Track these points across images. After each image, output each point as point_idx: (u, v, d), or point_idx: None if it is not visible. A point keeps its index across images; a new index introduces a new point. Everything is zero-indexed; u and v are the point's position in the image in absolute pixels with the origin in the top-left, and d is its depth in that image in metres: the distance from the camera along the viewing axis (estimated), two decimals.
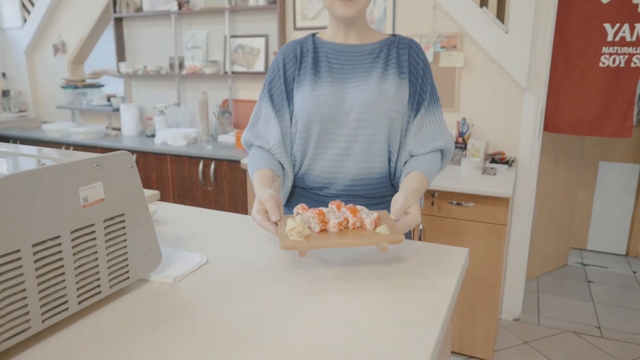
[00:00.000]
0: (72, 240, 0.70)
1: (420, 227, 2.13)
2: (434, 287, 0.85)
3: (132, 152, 2.93)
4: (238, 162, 2.61)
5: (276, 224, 0.95)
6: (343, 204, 0.99)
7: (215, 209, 1.80)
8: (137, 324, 0.73)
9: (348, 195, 1.23)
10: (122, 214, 0.78)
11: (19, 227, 0.63)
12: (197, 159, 2.75)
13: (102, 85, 3.77)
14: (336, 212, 0.96)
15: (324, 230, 0.93)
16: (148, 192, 1.38)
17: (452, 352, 2.24)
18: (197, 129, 3.10)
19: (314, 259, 0.98)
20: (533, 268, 2.97)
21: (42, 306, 0.67)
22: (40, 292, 0.66)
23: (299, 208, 0.98)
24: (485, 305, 2.12)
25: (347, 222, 0.93)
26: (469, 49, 2.45)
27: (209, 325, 0.73)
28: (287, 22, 2.88)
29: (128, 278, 0.81)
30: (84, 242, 0.72)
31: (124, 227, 0.79)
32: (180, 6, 3.14)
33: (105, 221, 0.75)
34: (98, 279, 0.75)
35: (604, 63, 2.36)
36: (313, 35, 1.27)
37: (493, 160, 2.37)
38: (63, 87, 3.64)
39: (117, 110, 3.47)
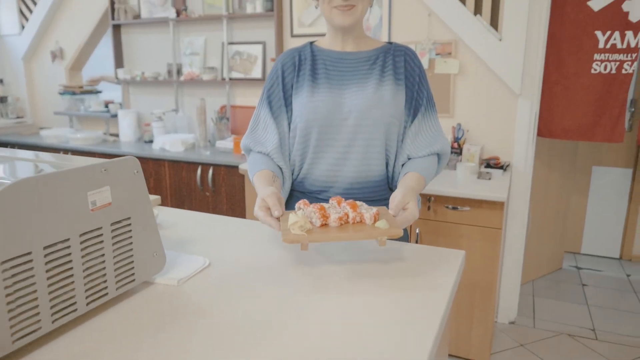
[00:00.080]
0: (81, 243, 0.72)
1: (417, 231, 2.15)
2: (432, 287, 0.88)
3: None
4: (236, 167, 2.64)
5: (278, 219, 0.98)
6: (343, 199, 1.02)
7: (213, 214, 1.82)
8: (143, 325, 0.75)
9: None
10: (129, 218, 0.80)
11: (31, 229, 0.65)
12: (195, 164, 2.77)
13: (99, 92, 3.78)
14: (337, 207, 0.99)
15: (324, 225, 0.96)
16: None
17: (449, 355, 2.26)
18: (195, 135, 3.13)
19: (314, 259, 1.00)
20: (528, 271, 3.00)
21: (52, 307, 0.69)
22: (50, 293, 0.68)
23: (300, 203, 1.01)
24: (481, 308, 2.14)
25: (348, 217, 0.96)
26: (463, 55, 2.49)
27: (212, 325, 0.75)
28: (284, 29, 2.91)
29: (134, 280, 0.83)
30: (92, 244, 0.74)
31: (130, 231, 0.81)
32: (178, 13, 3.17)
33: (112, 224, 0.77)
34: (105, 281, 0.77)
35: (595, 70, 2.41)
36: (311, 43, 1.30)
37: (488, 165, 2.40)
38: (61, 94, 3.65)
39: (114, 116, 3.48)
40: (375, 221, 0.96)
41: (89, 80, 3.81)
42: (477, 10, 2.42)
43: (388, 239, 1.13)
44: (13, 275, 0.63)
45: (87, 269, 0.74)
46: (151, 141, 3.25)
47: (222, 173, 2.70)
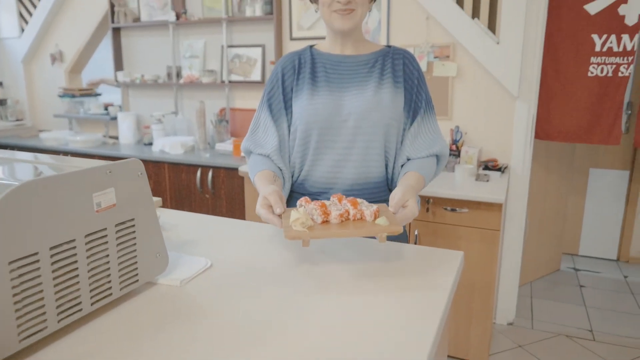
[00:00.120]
0: (86, 243, 0.73)
1: (416, 232, 2.17)
2: (431, 287, 0.89)
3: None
4: (236, 169, 2.65)
5: (280, 216, 1.00)
6: (344, 196, 1.03)
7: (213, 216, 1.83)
8: (146, 325, 0.76)
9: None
10: (132, 219, 0.81)
11: (38, 230, 0.66)
12: (195, 166, 2.78)
13: (99, 94, 3.79)
14: (337, 205, 1.00)
15: (326, 222, 0.97)
16: None
17: (448, 356, 2.27)
18: (194, 137, 3.14)
19: (314, 260, 1.01)
20: (526, 273, 3.01)
21: (57, 307, 0.70)
22: (56, 293, 0.69)
23: (302, 200, 1.03)
24: (480, 309, 2.16)
25: (348, 213, 0.98)
26: (461, 59, 2.51)
27: (215, 325, 0.76)
28: (283, 32, 2.93)
29: (137, 281, 0.84)
30: (97, 245, 0.75)
31: (134, 232, 0.82)
32: (178, 16, 3.19)
33: (116, 225, 0.78)
34: (109, 281, 0.78)
35: (592, 72, 2.43)
36: (311, 47, 1.32)
37: (486, 167, 2.42)
38: (60, 96, 3.66)
39: (114, 118, 3.49)
40: (375, 218, 0.97)
41: (89, 82, 3.82)
42: (475, 13, 2.45)
43: (388, 240, 1.14)
44: (20, 275, 0.64)
45: (92, 269, 0.75)
46: (151, 144, 3.26)
47: (222, 175, 2.71)
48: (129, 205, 0.80)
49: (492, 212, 2.03)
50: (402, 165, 1.27)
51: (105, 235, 0.76)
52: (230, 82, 3.13)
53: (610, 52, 2.38)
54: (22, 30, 3.84)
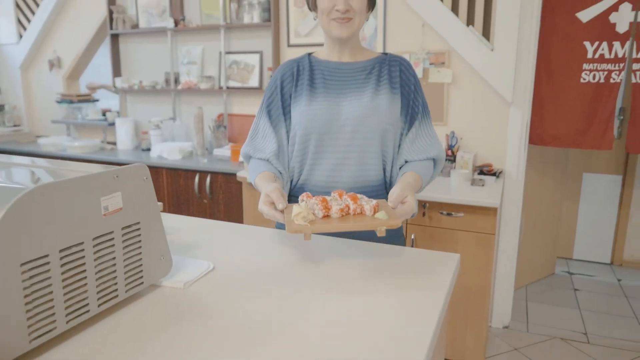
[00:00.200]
0: (94, 246, 0.75)
1: (412, 236, 2.19)
2: (429, 287, 0.92)
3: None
4: (234, 175, 2.67)
5: (282, 212, 1.03)
6: (345, 192, 1.06)
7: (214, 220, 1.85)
8: (151, 326, 0.78)
9: None
10: (138, 222, 0.84)
11: (48, 233, 0.68)
12: (193, 172, 2.80)
13: (97, 100, 3.81)
14: (338, 200, 1.03)
15: (327, 216, 1.00)
16: None
17: (445, 359, 2.29)
18: (192, 143, 3.16)
19: (314, 262, 1.04)
20: (521, 277, 3.04)
21: (66, 308, 0.72)
22: (65, 294, 0.71)
23: (303, 196, 1.06)
24: (476, 313, 2.18)
25: (349, 208, 1.01)
26: (456, 65, 2.55)
27: (217, 326, 0.78)
28: (281, 39, 2.97)
29: (142, 283, 0.86)
30: (104, 248, 0.77)
31: (139, 235, 0.84)
32: (176, 23, 3.22)
33: (123, 229, 0.80)
34: (115, 283, 0.80)
35: (584, 79, 2.48)
36: (309, 54, 1.35)
37: (481, 172, 2.45)
38: (58, 102, 3.68)
39: (112, 124, 3.51)
40: (375, 212, 1.00)
41: (89, 85, 3.83)
42: (470, 21, 2.49)
43: (386, 244, 1.17)
44: (31, 277, 0.66)
45: (99, 271, 0.77)
46: (149, 149, 3.27)
47: (220, 180, 2.73)
48: (134, 209, 0.83)
49: (488, 216, 2.06)
50: (400, 168, 1.31)
51: (112, 239, 0.79)
52: (228, 88, 3.15)
53: (602, 59, 2.43)
54: (20, 36, 3.86)
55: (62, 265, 0.71)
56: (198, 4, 3.18)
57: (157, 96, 3.48)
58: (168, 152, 2.99)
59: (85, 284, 0.75)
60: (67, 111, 3.76)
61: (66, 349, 0.72)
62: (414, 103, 1.31)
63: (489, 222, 2.06)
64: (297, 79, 1.32)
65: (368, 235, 1.23)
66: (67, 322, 0.73)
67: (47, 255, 0.68)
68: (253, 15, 2.96)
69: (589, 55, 2.45)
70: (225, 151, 2.98)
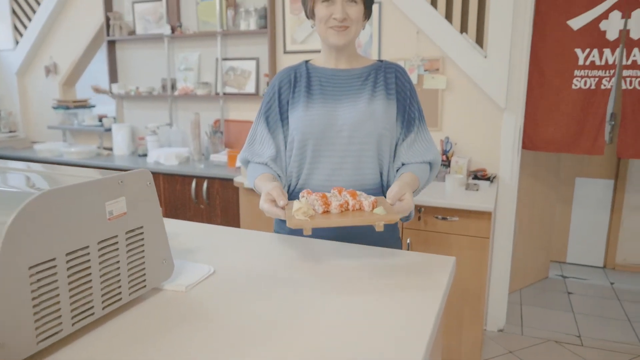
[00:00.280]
0: (99, 250, 0.77)
1: (408, 241, 2.22)
2: (427, 287, 0.94)
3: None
4: (230, 180, 2.69)
5: (283, 209, 1.05)
6: (344, 188, 1.09)
7: (214, 225, 1.86)
8: (154, 329, 0.80)
9: None
10: (141, 227, 0.85)
11: (55, 237, 0.70)
12: (190, 177, 2.82)
13: (93, 106, 3.82)
14: (337, 196, 1.07)
15: (326, 212, 1.03)
16: None
17: None
18: (189, 149, 3.17)
19: (313, 264, 1.06)
20: (516, 281, 3.07)
21: (72, 310, 0.74)
22: (71, 297, 0.73)
23: (304, 192, 1.09)
24: (471, 316, 2.21)
25: (348, 204, 1.04)
26: (450, 72, 2.59)
27: (218, 328, 0.80)
28: (277, 45, 3.00)
29: (145, 286, 0.88)
30: (108, 252, 0.79)
31: (142, 239, 0.86)
32: (173, 30, 3.24)
33: (126, 233, 0.82)
34: (119, 287, 0.82)
35: (576, 85, 2.52)
36: (306, 62, 1.38)
37: (475, 177, 2.48)
38: (55, 108, 3.69)
39: (108, 130, 3.52)
40: (373, 208, 1.03)
41: (94, 87, 3.84)
42: (463, 28, 2.53)
43: (383, 247, 1.19)
44: (39, 280, 0.68)
45: (104, 274, 0.79)
46: (145, 155, 3.28)
47: (217, 186, 2.75)
48: (138, 214, 0.84)
49: (482, 220, 2.09)
50: (397, 170, 1.34)
51: (117, 242, 0.80)
52: (224, 94, 3.18)
53: (593, 66, 2.48)
54: (17, 42, 3.87)
55: (68, 269, 0.72)
56: (195, 11, 3.21)
57: (154, 102, 3.50)
58: (165, 157, 3.01)
59: (91, 287, 0.76)
60: (63, 117, 3.76)
61: (71, 350, 0.73)
62: (410, 109, 1.34)
63: (484, 226, 2.09)
64: (295, 85, 1.34)
65: (366, 233, 1.26)
66: (73, 325, 0.74)
67: (54, 259, 0.70)
68: (249, 22, 2.99)
69: (580, 62, 2.49)
70: (222, 157, 3.00)
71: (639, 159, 2.54)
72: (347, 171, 1.29)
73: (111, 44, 3.52)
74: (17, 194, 0.78)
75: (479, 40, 2.51)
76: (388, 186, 1.35)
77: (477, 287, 2.16)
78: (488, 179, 2.45)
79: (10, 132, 3.99)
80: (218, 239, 1.26)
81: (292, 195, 1.37)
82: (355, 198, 1.05)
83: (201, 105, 3.33)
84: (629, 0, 2.35)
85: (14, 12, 3.83)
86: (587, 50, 2.47)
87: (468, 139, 2.62)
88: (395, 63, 1.37)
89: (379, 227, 0.98)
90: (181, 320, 0.82)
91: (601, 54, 2.45)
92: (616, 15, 2.38)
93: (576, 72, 2.51)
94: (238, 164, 2.77)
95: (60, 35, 3.72)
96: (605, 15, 2.40)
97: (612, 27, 2.40)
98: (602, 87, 2.47)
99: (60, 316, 0.72)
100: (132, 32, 3.40)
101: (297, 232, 1.32)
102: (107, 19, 3.40)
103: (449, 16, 2.54)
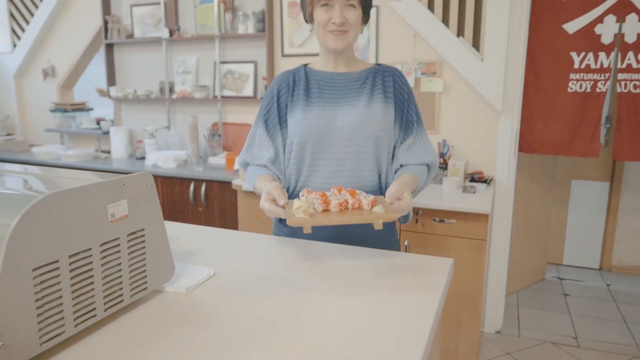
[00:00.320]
0: (101, 252, 0.78)
1: (406, 243, 2.23)
2: (425, 288, 0.95)
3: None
4: (229, 183, 2.69)
5: (284, 208, 1.07)
6: (343, 187, 1.10)
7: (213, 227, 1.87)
8: (155, 330, 0.80)
9: None
10: (143, 229, 0.86)
11: (59, 239, 0.71)
12: (188, 180, 2.82)
13: (91, 109, 3.82)
14: (337, 195, 1.08)
15: (326, 210, 1.05)
16: None
17: None
18: (187, 152, 3.18)
19: (312, 265, 1.07)
20: (513, 283, 3.09)
21: (75, 312, 0.74)
22: (74, 299, 0.74)
23: (304, 191, 1.10)
24: (468, 318, 2.22)
25: (347, 203, 1.06)
26: (447, 75, 2.61)
27: (219, 330, 0.81)
28: (275, 49, 3.01)
29: (146, 288, 0.89)
30: (110, 254, 0.80)
31: (143, 241, 0.87)
32: (171, 33, 3.25)
33: (128, 235, 0.83)
34: (121, 288, 0.83)
35: (571, 88, 2.54)
36: (305, 65, 1.40)
37: (472, 179, 2.50)
38: (52, 111, 3.69)
39: (106, 133, 3.52)
40: (372, 207, 1.05)
41: (98, 88, 3.84)
42: (460, 32, 2.55)
43: (382, 249, 1.21)
44: (42, 282, 0.69)
45: (106, 276, 0.79)
46: (143, 158, 3.29)
47: (215, 189, 2.76)
48: (139, 216, 0.85)
49: (479, 223, 2.10)
50: (395, 171, 1.35)
51: (118, 245, 0.81)
52: (222, 97, 3.19)
53: (588, 69, 2.50)
54: (15, 45, 3.87)
55: (71, 271, 0.73)
56: (193, 15, 3.22)
57: (152, 105, 3.50)
58: (163, 160, 3.01)
59: (93, 289, 0.77)
60: (61, 120, 3.76)
61: (74, 352, 0.74)
62: (408, 112, 1.35)
63: (481, 228, 2.11)
64: (293, 89, 1.36)
65: (365, 235, 1.27)
66: (76, 326, 0.75)
67: (57, 261, 0.71)
68: (247, 26, 3.00)
69: (576, 66, 2.52)
70: (220, 159, 3.01)
71: (634, 161, 2.57)
72: (346, 173, 1.30)
73: (109, 47, 3.53)
74: (17, 196, 0.78)
75: (476, 43, 2.53)
76: (386, 188, 1.36)
77: (475, 289, 2.18)
78: (485, 181, 2.47)
79: (8, 135, 3.99)
80: (218, 241, 1.27)
81: (291, 197, 1.39)
82: (355, 197, 1.06)
83: (199, 108, 3.34)
84: (623, 4, 2.38)
85: (11, 15, 3.83)
86: (583, 53, 2.50)
87: (465, 142, 2.63)
88: (393, 67, 1.38)
89: (378, 226, 1.00)
90: (182, 321, 0.83)
91: (596, 57, 2.48)
92: (611, 19, 2.41)
93: (572, 76, 2.53)
94: (237, 166, 2.78)
95: (58, 38, 3.72)
96: (600, 19, 2.43)
97: (607, 30, 2.43)
98: (598, 90, 2.50)
99: (63, 318, 0.72)
100: (130, 36, 3.41)
101: (297, 234, 1.33)
102: (105, 22, 3.40)
103: (445, 20, 2.56)
